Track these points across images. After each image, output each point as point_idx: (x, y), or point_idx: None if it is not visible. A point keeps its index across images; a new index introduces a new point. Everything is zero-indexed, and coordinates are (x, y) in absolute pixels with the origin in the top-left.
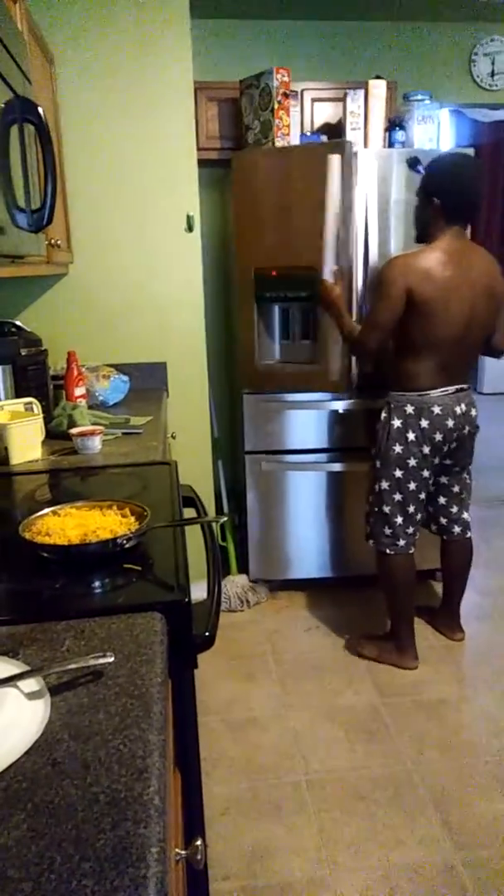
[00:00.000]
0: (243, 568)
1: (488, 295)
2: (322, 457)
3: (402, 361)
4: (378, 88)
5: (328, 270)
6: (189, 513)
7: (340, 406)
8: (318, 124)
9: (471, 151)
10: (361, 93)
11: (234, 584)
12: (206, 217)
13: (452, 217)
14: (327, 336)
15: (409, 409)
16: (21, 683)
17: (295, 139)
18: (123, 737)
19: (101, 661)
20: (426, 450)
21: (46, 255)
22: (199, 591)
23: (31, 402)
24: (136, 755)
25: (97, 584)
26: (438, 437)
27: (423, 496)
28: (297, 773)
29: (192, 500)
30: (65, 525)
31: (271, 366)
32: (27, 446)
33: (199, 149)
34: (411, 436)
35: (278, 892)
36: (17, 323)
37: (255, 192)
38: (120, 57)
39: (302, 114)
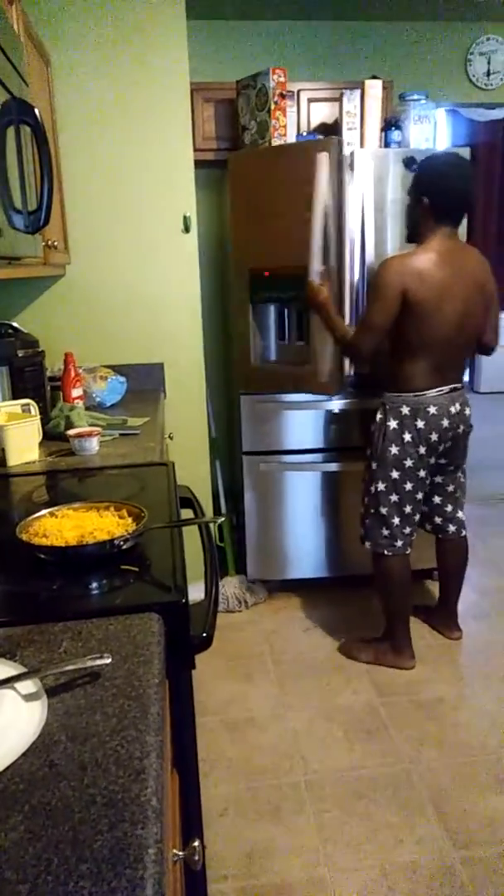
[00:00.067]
0: (241, 568)
1: (480, 294)
2: (320, 457)
3: (397, 362)
4: (374, 88)
5: (315, 271)
6: (187, 513)
7: (338, 406)
8: (314, 124)
9: (467, 151)
10: (358, 93)
11: (232, 584)
12: (202, 218)
13: (442, 217)
14: (317, 337)
15: (405, 409)
16: (18, 685)
17: (291, 139)
18: (121, 738)
19: (99, 662)
20: (422, 450)
21: (43, 256)
22: (196, 592)
23: (28, 404)
24: (134, 756)
25: (94, 585)
26: (434, 437)
27: (419, 496)
28: (296, 774)
29: (189, 501)
30: (62, 526)
31: (267, 366)
32: (24, 448)
33: (195, 150)
34: (407, 436)
35: (277, 892)
36: (14, 324)
37: (251, 192)
38: (116, 58)
39: (298, 114)
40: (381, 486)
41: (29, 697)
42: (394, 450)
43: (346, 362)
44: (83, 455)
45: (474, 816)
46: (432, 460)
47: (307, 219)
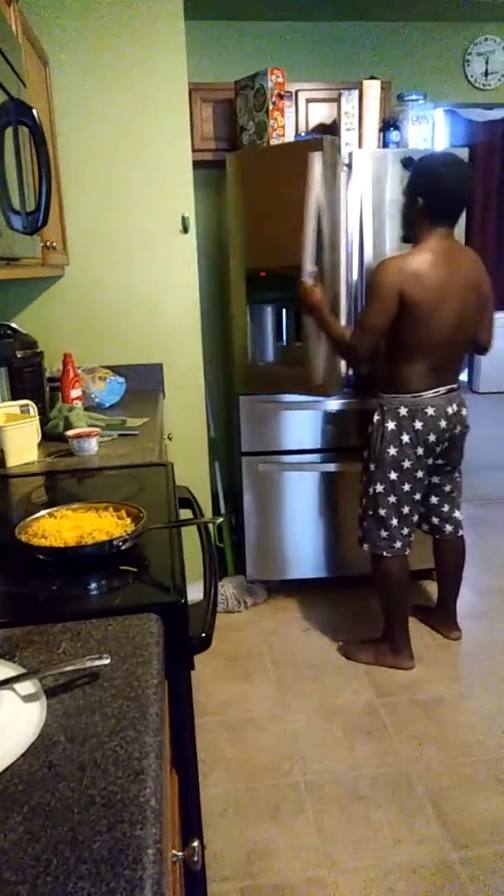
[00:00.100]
0: (240, 569)
1: (476, 294)
2: (319, 457)
3: (395, 364)
4: (372, 89)
5: (307, 272)
6: (186, 514)
7: (337, 406)
8: (312, 125)
9: (465, 151)
10: (356, 93)
11: (232, 584)
12: (201, 218)
13: (437, 217)
14: (310, 339)
15: (403, 411)
16: (17, 686)
17: (290, 140)
18: (120, 738)
19: (98, 662)
20: (420, 451)
21: (42, 257)
22: (195, 593)
23: (27, 405)
24: (133, 757)
25: (93, 585)
26: (432, 438)
27: (417, 497)
28: (296, 774)
29: (188, 502)
30: (61, 527)
31: (265, 367)
32: (23, 448)
33: (194, 150)
34: (405, 438)
35: (277, 892)
36: (13, 325)
37: (248, 192)
38: (115, 59)
39: (297, 114)
40: (379, 488)
41: (28, 698)
42: (392, 451)
43: (343, 364)
44: (82, 456)
45: (474, 816)
46: (430, 461)
47: (300, 219)
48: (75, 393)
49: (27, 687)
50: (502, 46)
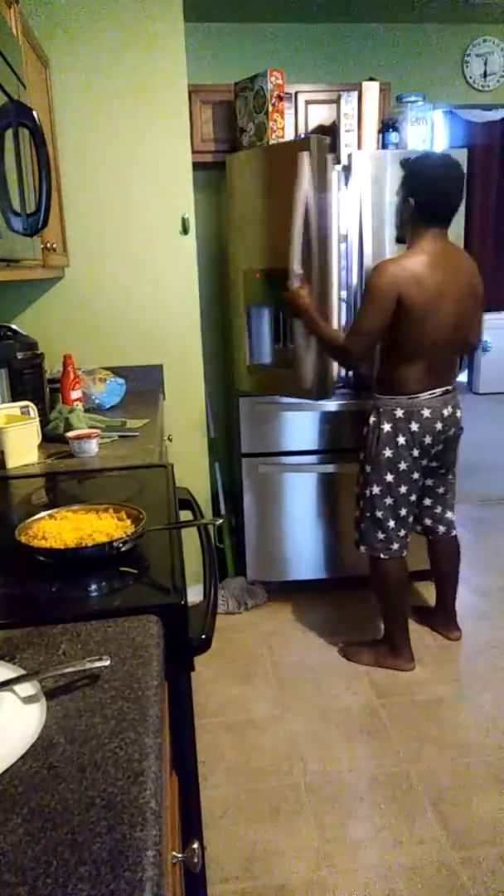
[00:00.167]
0: (240, 570)
1: (472, 296)
2: (319, 458)
3: (391, 365)
4: (371, 90)
5: (294, 273)
6: (186, 515)
7: (338, 407)
8: (312, 126)
9: (464, 152)
10: (355, 95)
11: (232, 586)
12: (201, 219)
13: (429, 218)
14: (299, 342)
15: (399, 412)
16: (17, 687)
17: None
18: (120, 740)
19: (98, 664)
20: (416, 453)
21: (42, 258)
22: (195, 594)
23: (27, 406)
24: (133, 758)
25: (93, 587)
26: (428, 439)
27: (413, 499)
28: (296, 775)
29: (188, 503)
30: (61, 528)
31: (262, 369)
32: (23, 450)
33: (193, 151)
34: (401, 439)
35: (277, 893)
36: (13, 326)
37: (245, 193)
38: (115, 60)
39: (296, 116)
40: (375, 490)
41: (28, 700)
42: (387, 453)
43: (335, 366)
44: (82, 457)
45: (474, 816)
46: (424, 462)
47: (289, 220)
48: (75, 394)
49: (27, 688)
50: (501, 48)
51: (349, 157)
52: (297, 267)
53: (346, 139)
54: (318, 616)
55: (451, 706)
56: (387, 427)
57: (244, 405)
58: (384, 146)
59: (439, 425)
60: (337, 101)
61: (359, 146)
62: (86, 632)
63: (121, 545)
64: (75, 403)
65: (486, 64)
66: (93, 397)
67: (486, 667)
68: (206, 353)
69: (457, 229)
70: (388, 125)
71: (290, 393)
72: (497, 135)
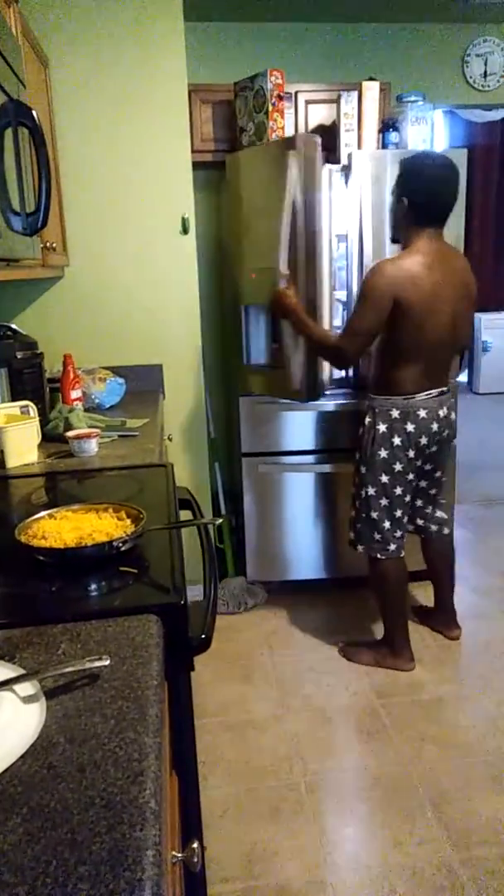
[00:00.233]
0: (240, 570)
1: (467, 296)
2: (320, 458)
3: (387, 366)
4: (371, 90)
5: (280, 273)
6: (185, 515)
7: (338, 407)
8: (312, 126)
9: (464, 152)
10: (355, 94)
11: (232, 585)
12: (201, 219)
13: (423, 218)
14: (287, 343)
15: (395, 413)
16: (17, 687)
17: None
18: (119, 740)
19: (97, 664)
20: (411, 453)
21: (42, 258)
22: (195, 594)
23: (27, 406)
24: (132, 758)
25: (93, 587)
26: (423, 440)
27: (408, 499)
28: (296, 775)
29: (188, 503)
30: (61, 528)
31: (260, 369)
32: (23, 449)
33: (193, 151)
34: (397, 440)
35: (277, 893)
36: (13, 326)
37: (242, 193)
38: (115, 60)
39: (296, 116)
40: (370, 491)
41: (27, 699)
42: (383, 453)
43: (326, 367)
44: (82, 457)
45: (474, 817)
46: (419, 463)
47: (278, 220)
48: (75, 394)
49: (27, 688)
50: (501, 48)
51: (349, 156)
52: (283, 267)
53: (346, 139)
54: (318, 616)
55: (452, 706)
56: (382, 427)
57: (244, 405)
58: (384, 146)
59: (435, 426)
60: (337, 101)
61: (359, 146)
62: (85, 631)
63: (121, 545)
64: (75, 403)
65: (486, 64)
66: (92, 397)
67: (486, 667)
68: (205, 353)
69: (457, 229)
70: (388, 125)
71: (281, 393)
72: (497, 135)
